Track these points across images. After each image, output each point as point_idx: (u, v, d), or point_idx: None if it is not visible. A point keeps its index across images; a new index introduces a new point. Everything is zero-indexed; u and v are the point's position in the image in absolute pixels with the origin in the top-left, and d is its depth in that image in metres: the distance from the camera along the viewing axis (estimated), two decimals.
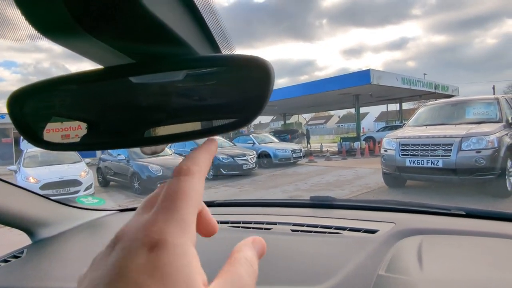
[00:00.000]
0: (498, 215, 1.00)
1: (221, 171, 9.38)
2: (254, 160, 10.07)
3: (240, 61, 0.38)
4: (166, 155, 9.08)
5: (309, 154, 13.06)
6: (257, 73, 0.35)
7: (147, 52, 0.39)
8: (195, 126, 0.42)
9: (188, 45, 0.38)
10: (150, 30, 0.34)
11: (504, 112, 5.71)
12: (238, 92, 0.41)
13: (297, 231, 1.01)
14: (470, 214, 1.01)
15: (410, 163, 5.39)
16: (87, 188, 6.68)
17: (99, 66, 0.42)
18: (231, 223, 1.13)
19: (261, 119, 61.46)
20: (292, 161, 11.56)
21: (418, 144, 5.38)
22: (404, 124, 8.33)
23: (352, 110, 22.03)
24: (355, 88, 14.60)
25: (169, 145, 8.48)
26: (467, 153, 4.93)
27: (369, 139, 16.79)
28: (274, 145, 12.20)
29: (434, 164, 5.16)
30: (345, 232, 0.95)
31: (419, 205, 1.10)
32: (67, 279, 0.85)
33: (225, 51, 0.45)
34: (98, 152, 13.91)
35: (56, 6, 0.29)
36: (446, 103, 6.92)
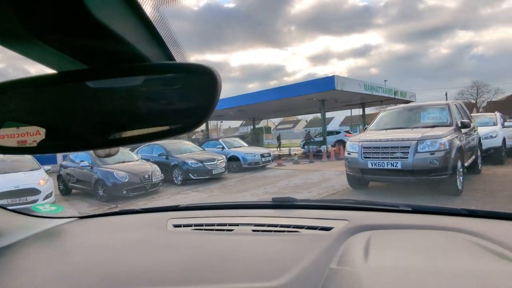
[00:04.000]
0: (440, 210, 1.12)
1: (190, 176, 9.27)
2: (224, 164, 10.05)
3: (188, 69, 0.42)
4: (132, 161, 8.82)
5: (277, 158, 13.27)
6: (204, 79, 0.39)
7: (99, 59, 0.41)
8: (147, 129, 0.44)
9: (141, 53, 0.41)
10: (99, 36, 0.35)
11: (454, 117, 6.21)
12: (187, 97, 0.44)
13: (258, 231, 1.06)
14: (416, 210, 1.12)
15: (372, 165, 5.67)
16: (46, 197, 6.32)
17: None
18: (194, 225, 1.15)
19: (230, 123, 61.24)
20: (261, 165, 11.68)
21: (379, 147, 5.69)
22: (363, 128, 8.71)
23: (319, 115, 22.70)
24: (320, 94, 15.09)
25: (136, 150, 8.12)
26: (422, 155, 5.28)
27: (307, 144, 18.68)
28: (244, 150, 12.26)
29: (393, 166, 5.48)
30: (303, 231, 1.01)
31: (371, 203, 1.21)
32: None
33: (178, 59, 0.47)
34: (59, 159, 13.12)
35: (3, 12, 0.30)
36: (404, 108, 7.37)
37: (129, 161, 8.71)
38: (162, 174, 8.42)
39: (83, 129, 0.43)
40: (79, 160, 8.57)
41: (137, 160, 9.12)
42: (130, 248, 1.04)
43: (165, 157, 10.01)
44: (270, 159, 12.17)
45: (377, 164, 5.64)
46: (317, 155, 14.56)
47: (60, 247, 1.12)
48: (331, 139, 18.37)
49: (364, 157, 5.79)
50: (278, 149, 23.61)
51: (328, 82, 14.22)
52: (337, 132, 20.75)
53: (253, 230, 1.07)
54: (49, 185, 6.61)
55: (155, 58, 0.43)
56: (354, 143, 6.15)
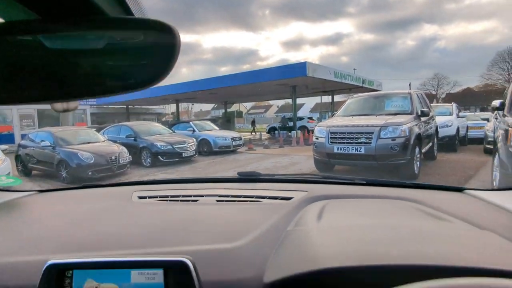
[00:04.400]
0: (390, 183, 1.25)
1: (159, 159, 9.13)
2: (194, 147, 9.97)
3: (147, 25, 0.41)
4: (98, 142, 8.52)
5: (248, 142, 13.37)
6: (164, 37, 0.39)
7: (53, 9, 0.39)
8: (102, 84, 0.43)
9: (98, 6, 0.39)
10: None
11: (415, 106, 6.58)
12: (145, 54, 0.43)
13: (222, 201, 1.11)
14: (370, 183, 1.24)
15: (338, 149, 5.91)
16: None
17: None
18: (159, 197, 1.17)
19: (202, 106, 60.24)
20: (232, 149, 11.72)
21: (345, 133, 5.92)
22: (331, 115, 8.98)
23: (290, 101, 22.96)
24: (292, 80, 15.24)
25: (102, 131, 7.80)
26: (384, 141, 5.57)
27: (272, 129, 20.24)
28: (214, 133, 12.20)
29: (357, 151, 5.74)
30: (265, 200, 1.08)
31: (329, 177, 1.31)
32: None
33: (137, 15, 0.44)
34: (17, 139, 12.32)
35: None
36: (369, 96, 7.69)
37: (94, 142, 8.40)
38: (130, 156, 8.22)
39: (35, 81, 0.42)
40: (39, 140, 8.14)
41: (104, 141, 8.82)
42: (93, 216, 1.04)
43: (133, 138, 9.75)
44: (241, 143, 12.23)
45: (342, 148, 5.88)
46: (287, 140, 14.83)
47: (18, 218, 1.09)
48: None
49: (331, 142, 6.01)
50: (253, 133, 23.97)
51: (300, 68, 14.36)
52: (301, 118, 21.44)
53: (217, 200, 1.12)
54: (6, 165, 6.25)
55: (113, 12, 0.42)
56: (322, 128, 6.35)
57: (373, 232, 0.74)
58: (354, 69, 28.13)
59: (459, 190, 1.14)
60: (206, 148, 11.46)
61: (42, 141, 7.97)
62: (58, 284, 0.65)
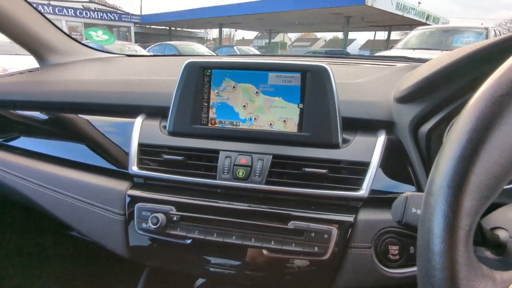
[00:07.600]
0: None
1: None
2: None
3: None
4: None
5: None
6: None
7: None
8: None
9: None
10: None
11: None
12: None
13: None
14: None
15: None
16: None
17: None
18: None
19: (244, 34, 58.09)
20: None
21: None
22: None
23: (339, 35, 21.29)
24: (347, 8, 13.87)
25: (148, 49, 7.76)
26: None
27: None
28: None
29: None
30: (366, 65, 1.04)
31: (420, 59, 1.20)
32: (86, 83, 0.89)
33: None
34: None
35: None
36: (437, 29, 6.84)
37: None
38: None
39: None
40: None
41: None
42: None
43: None
44: None
45: None
46: None
47: (109, 65, 1.16)
48: None
49: None
50: None
51: None
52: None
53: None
54: None
55: None
56: None
57: None
58: (419, 2, 24.75)
59: None
60: None
61: None
62: (198, 82, 0.71)
